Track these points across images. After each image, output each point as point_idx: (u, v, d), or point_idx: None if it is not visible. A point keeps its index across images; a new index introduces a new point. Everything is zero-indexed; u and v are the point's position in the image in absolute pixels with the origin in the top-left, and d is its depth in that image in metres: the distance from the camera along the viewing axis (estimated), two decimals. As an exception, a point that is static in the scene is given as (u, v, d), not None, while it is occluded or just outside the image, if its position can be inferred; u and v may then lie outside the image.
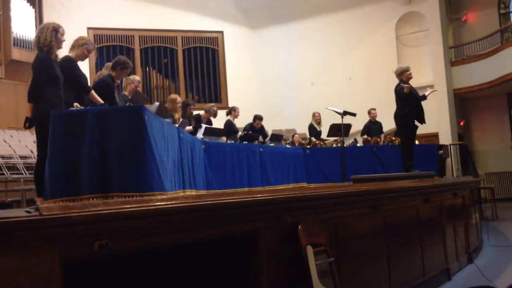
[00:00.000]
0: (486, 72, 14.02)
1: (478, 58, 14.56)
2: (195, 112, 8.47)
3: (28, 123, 4.80)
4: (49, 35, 4.57)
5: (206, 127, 7.64)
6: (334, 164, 9.01)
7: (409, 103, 7.55)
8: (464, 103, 16.05)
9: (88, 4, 14.20)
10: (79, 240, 2.07)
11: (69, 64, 4.88)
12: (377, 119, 10.64)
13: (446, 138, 13.49)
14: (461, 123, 15.61)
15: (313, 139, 10.29)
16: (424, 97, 7.85)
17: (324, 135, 10.36)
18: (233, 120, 9.23)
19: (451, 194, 6.26)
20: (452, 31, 16.12)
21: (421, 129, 8.18)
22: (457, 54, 15.40)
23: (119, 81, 5.59)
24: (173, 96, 7.73)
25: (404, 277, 4.72)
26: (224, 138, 8.05)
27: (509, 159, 15.31)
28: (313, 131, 10.46)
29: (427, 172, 7.14)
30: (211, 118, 8.87)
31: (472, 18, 16.36)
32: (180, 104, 7.53)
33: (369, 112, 10.60)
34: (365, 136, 10.33)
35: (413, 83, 7.92)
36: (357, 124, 10.15)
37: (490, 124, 16.06)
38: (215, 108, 8.94)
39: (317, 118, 10.44)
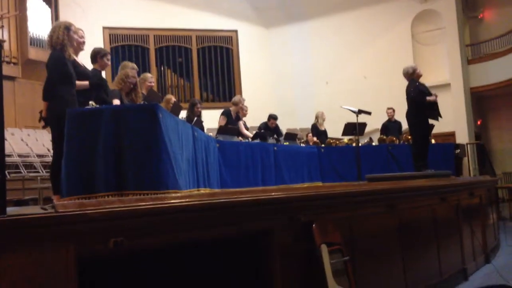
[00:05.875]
0: (503, 70, 13.81)
1: (495, 56, 14.37)
2: (204, 111, 8.36)
3: (44, 122, 4.80)
4: (61, 34, 4.58)
5: (220, 127, 7.60)
6: (348, 163, 8.95)
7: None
8: (481, 101, 15.84)
9: (103, 3, 14.28)
10: (94, 237, 2.08)
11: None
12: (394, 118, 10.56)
13: (462, 137, 13.34)
14: (478, 122, 15.41)
15: (315, 139, 10.13)
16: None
17: (335, 134, 10.29)
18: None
19: (467, 194, 6.19)
20: (469, 29, 15.92)
21: (438, 128, 8.06)
22: (474, 52, 15.20)
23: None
24: (168, 96, 7.63)
25: (420, 276, 4.67)
26: (239, 138, 8.02)
27: (527, 158, 15.12)
28: (316, 131, 10.36)
29: (444, 171, 7.07)
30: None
31: (489, 16, 16.14)
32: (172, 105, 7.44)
33: (386, 111, 10.57)
34: (380, 136, 10.25)
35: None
36: (373, 123, 10.05)
37: (507, 122, 15.84)
38: (245, 100, 8.73)
39: (322, 117, 10.36)
